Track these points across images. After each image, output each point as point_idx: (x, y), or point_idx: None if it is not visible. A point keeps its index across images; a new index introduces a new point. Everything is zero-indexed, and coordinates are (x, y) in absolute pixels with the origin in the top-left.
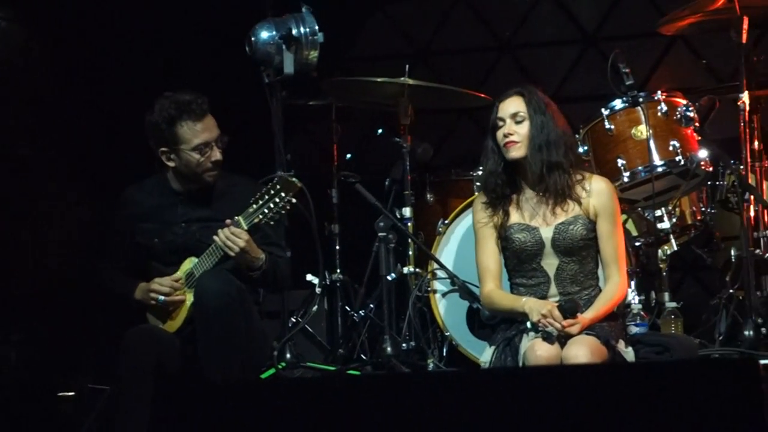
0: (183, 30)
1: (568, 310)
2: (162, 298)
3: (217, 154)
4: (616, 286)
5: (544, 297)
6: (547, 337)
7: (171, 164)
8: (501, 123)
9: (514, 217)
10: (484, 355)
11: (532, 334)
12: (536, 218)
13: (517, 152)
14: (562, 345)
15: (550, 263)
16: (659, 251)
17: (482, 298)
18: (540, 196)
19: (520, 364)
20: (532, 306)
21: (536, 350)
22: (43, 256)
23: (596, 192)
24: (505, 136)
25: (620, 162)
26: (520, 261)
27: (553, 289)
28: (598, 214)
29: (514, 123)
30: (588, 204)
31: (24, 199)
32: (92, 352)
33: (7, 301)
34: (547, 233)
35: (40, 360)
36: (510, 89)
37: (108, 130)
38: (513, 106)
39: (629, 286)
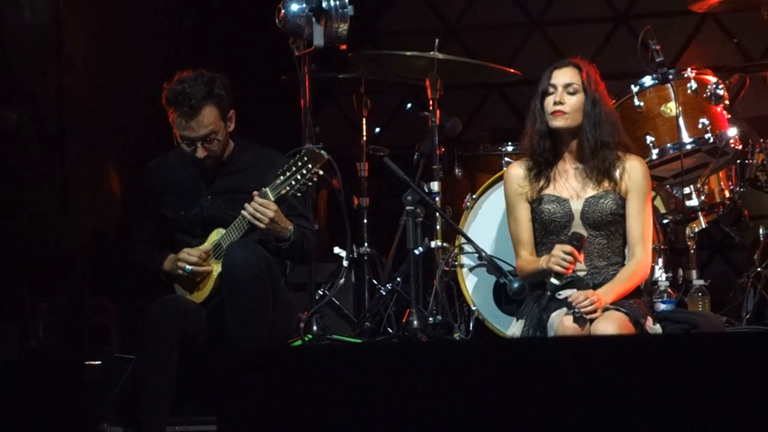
0: (213, 1)
1: (573, 238)
2: (189, 267)
3: (200, 152)
4: (638, 262)
5: None
6: (578, 319)
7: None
8: (552, 90)
9: (547, 188)
10: (511, 329)
11: (562, 310)
12: (568, 190)
13: (562, 122)
14: (591, 320)
15: None
16: (687, 229)
17: (517, 269)
18: (577, 169)
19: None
20: (545, 257)
21: (565, 323)
22: (71, 227)
23: (629, 170)
24: (555, 104)
25: (649, 139)
26: (548, 232)
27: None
28: (629, 192)
29: (566, 93)
30: (621, 181)
31: (53, 171)
32: (119, 322)
33: (35, 271)
34: (576, 206)
35: (68, 329)
36: (565, 59)
37: (138, 103)
38: (567, 76)
39: (656, 263)
